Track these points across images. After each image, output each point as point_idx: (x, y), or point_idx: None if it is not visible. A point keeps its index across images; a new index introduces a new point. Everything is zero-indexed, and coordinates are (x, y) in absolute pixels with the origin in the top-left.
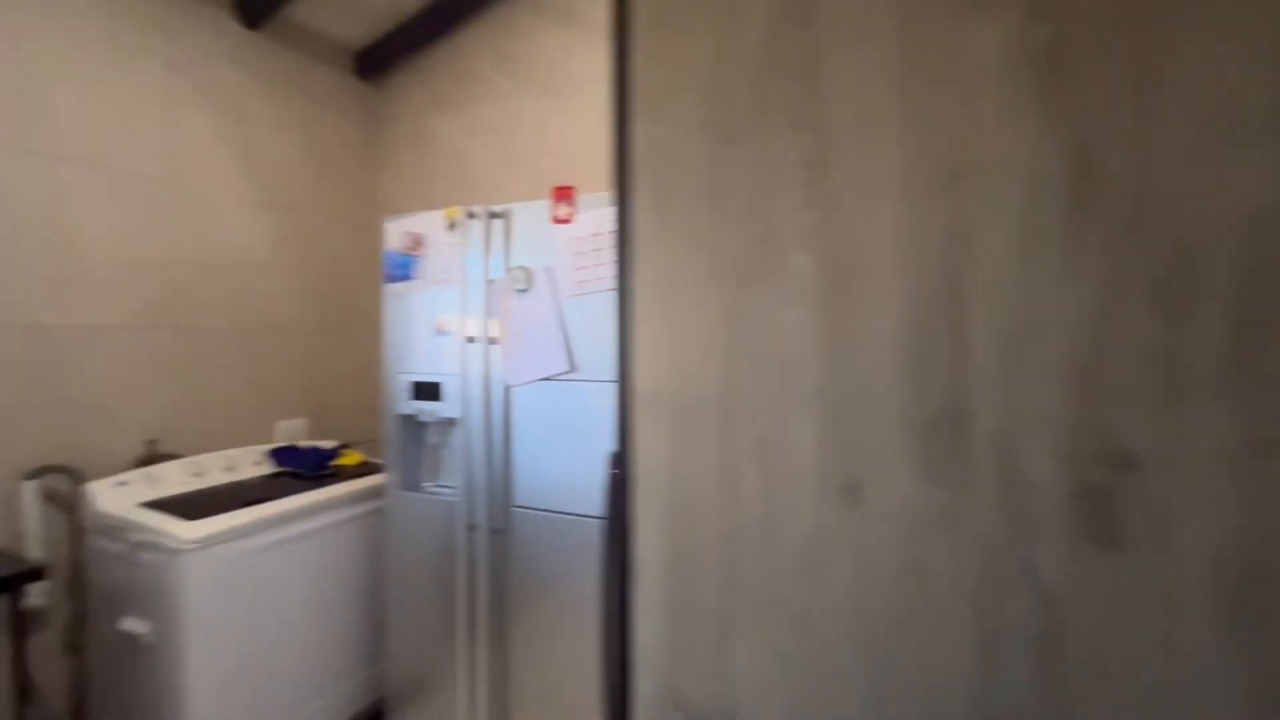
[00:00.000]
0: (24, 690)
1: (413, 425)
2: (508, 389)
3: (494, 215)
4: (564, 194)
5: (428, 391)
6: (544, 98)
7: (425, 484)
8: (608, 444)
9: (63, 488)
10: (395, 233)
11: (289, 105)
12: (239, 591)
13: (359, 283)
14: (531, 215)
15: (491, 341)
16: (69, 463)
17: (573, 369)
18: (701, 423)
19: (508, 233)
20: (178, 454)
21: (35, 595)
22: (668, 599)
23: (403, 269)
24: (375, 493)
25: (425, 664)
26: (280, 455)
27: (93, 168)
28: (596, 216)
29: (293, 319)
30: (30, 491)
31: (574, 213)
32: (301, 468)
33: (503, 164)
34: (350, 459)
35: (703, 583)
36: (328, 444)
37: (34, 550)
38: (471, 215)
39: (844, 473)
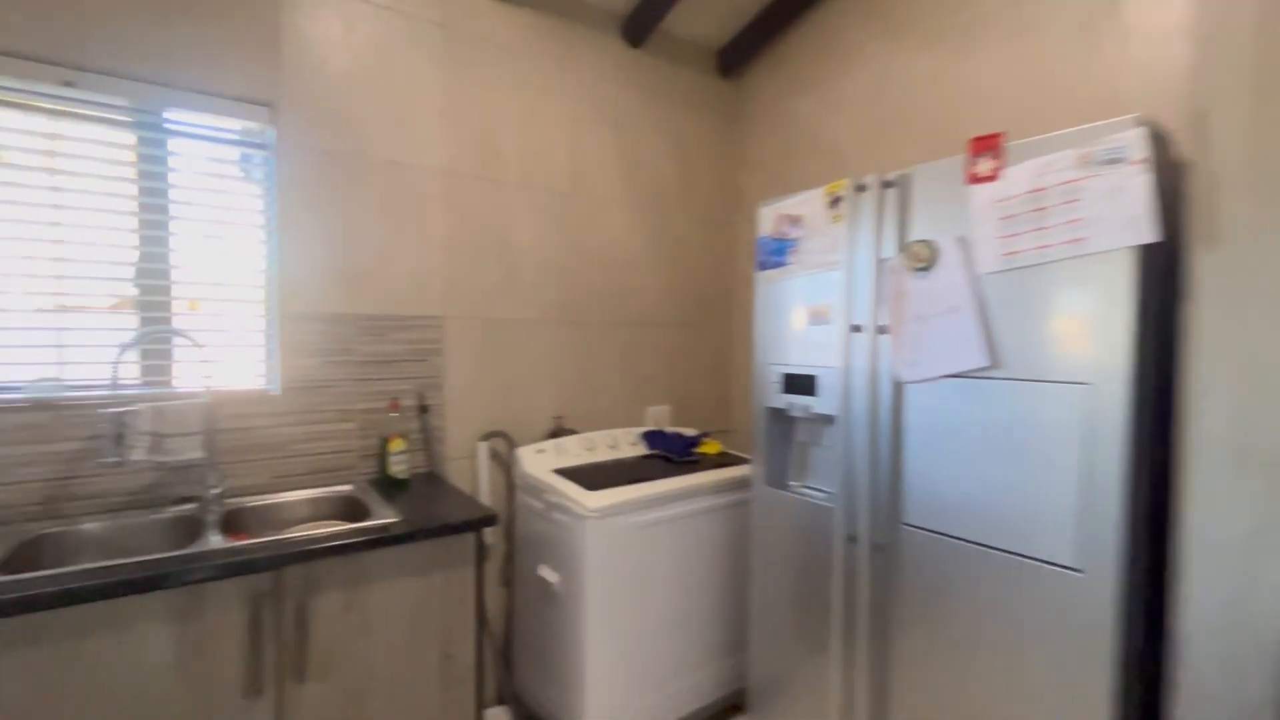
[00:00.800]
0: (480, 609)
1: (782, 420)
2: (900, 386)
3: (887, 184)
4: (986, 145)
5: (801, 385)
6: (925, 50)
7: (793, 483)
8: (1047, 461)
9: (502, 450)
10: (769, 217)
11: (661, 112)
12: (626, 560)
13: (715, 276)
14: (936, 179)
15: (881, 330)
16: (506, 430)
17: (993, 363)
18: None
19: (903, 203)
20: (574, 430)
21: (486, 535)
22: None
23: (777, 254)
24: (739, 484)
25: (791, 668)
26: (651, 438)
27: (523, 188)
28: (1035, 168)
29: (660, 312)
30: (483, 451)
31: (1000, 167)
32: (670, 451)
33: (871, 135)
34: (711, 448)
35: None
36: (689, 431)
37: (484, 498)
38: (860, 188)
39: None
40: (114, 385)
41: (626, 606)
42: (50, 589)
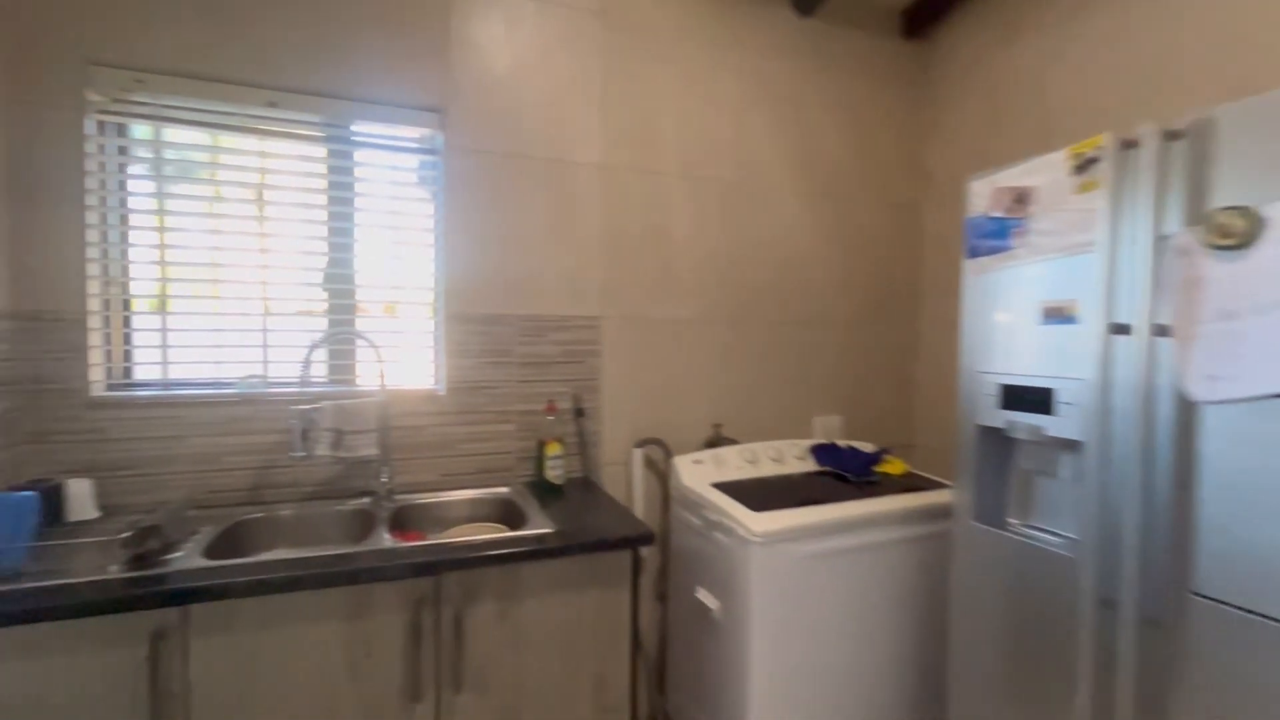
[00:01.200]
0: (634, 633)
1: (997, 441)
2: (1191, 406)
3: (1172, 136)
4: None
5: (1029, 399)
6: None
7: (1012, 520)
8: None
9: (657, 458)
10: (983, 192)
11: (834, 85)
12: (796, 593)
13: (897, 268)
14: (1256, 121)
15: (1159, 332)
16: (661, 437)
17: None
18: None
19: (1197, 160)
20: (734, 440)
21: (642, 549)
22: None
23: (995, 237)
24: (934, 514)
25: None
26: (820, 453)
27: (684, 179)
28: None
29: (830, 310)
30: (638, 459)
31: None
32: (845, 470)
33: (1116, 89)
34: (894, 467)
35: None
36: (866, 446)
37: (638, 509)
38: (1128, 145)
39: None
40: (304, 383)
41: (795, 645)
42: (245, 578)
